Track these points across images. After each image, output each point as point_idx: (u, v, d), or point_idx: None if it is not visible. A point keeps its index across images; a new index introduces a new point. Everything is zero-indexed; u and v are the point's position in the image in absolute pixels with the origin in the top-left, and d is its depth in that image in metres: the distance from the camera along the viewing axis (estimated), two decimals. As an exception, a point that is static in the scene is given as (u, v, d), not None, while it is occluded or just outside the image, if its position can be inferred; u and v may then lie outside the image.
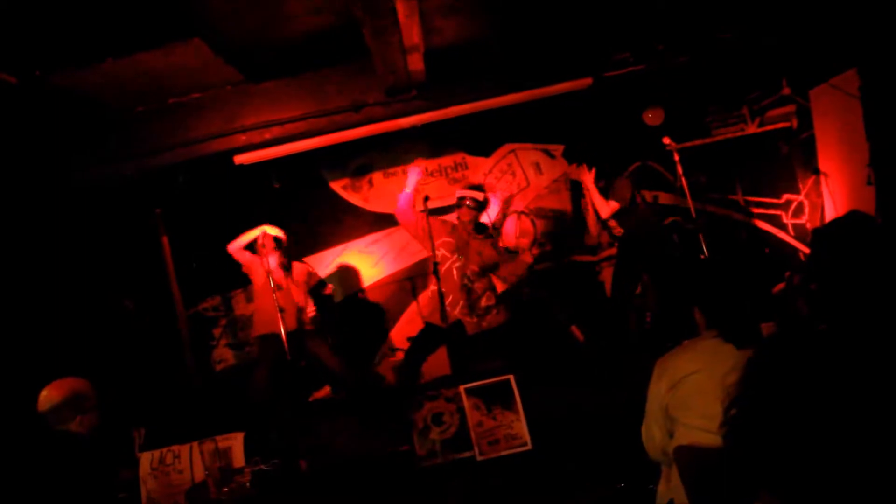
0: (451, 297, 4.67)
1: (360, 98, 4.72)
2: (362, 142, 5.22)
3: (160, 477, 3.06)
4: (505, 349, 4.64)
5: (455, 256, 4.75)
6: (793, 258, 5.80)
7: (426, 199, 4.72)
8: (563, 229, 5.99)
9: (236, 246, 4.91)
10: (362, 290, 5.98)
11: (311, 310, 5.22)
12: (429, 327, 4.81)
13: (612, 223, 5.20)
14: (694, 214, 5.19)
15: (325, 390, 5.53)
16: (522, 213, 5.26)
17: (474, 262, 4.73)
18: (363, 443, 3.71)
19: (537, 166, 6.06)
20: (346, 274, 5.98)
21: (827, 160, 5.56)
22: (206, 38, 3.74)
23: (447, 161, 6.04)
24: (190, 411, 5.27)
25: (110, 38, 3.56)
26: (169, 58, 3.89)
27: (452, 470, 3.06)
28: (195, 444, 3.08)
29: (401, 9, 3.26)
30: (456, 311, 4.67)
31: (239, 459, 3.09)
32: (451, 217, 5.36)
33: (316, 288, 5.45)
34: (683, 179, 5.12)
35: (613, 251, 5.57)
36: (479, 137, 5.93)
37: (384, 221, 5.89)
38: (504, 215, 5.32)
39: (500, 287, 5.08)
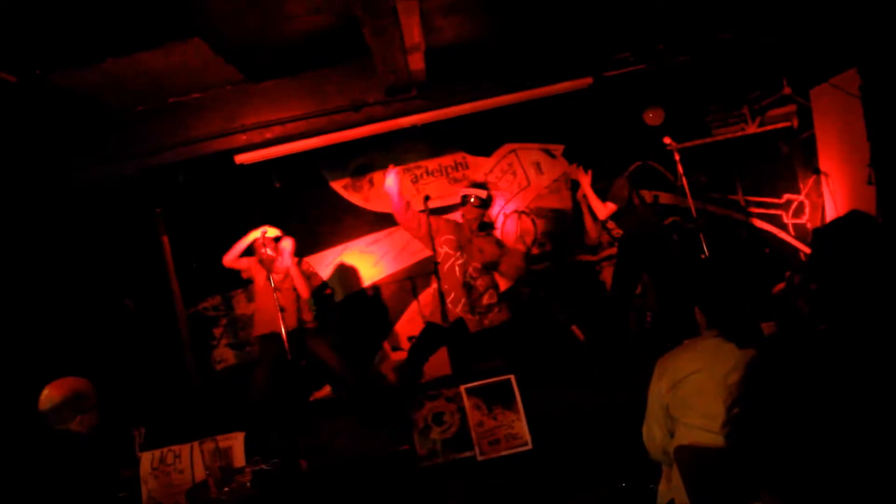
0: (452, 295, 4.67)
1: (361, 97, 4.71)
2: (363, 141, 5.22)
3: (161, 476, 3.06)
4: (505, 349, 4.63)
5: (458, 254, 4.74)
6: (793, 258, 5.80)
7: (426, 198, 4.71)
8: (563, 229, 5.99)
9: (232, 257, 4.90)
10: (363, 290, 5.98)
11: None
12: (430, 327, 4.81)
13: (611, 224, 5.19)
14: (694, 214, 5.19)
15: (326, 390, 5.53)
16: (523, 212, 5.26)
17: (476, 260, 4.73)
18: (363, 442, 3.71)
19: (538, 166, 6.06)
20: (347, 273, 5.98)
21: (827, 160, 5.56)
22: (206, 37, 3.74)
23: (447, 161, 6.04)
24: (190, 411, 5.27)
25: (110, 38, 3.55)
26: (169, 57, 3.89)
27: (453, 470, 3.06)
28: (196, 443, 3.09)
29: (401, 8, 3.26)
30: (458, 308, 4.67)
31: (239, 459, 3.09)
32: (454, 216, 5.37)
33: (317, 289, 5.45)
34: (684, 179, 5.12)
35: (613, 251, 5.57)
36: (479, 137, 5.93)
37: (384, 221, 5.89)
38: (502, 215, 5.33)
39: (503, 285, 5.09)
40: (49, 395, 2.91)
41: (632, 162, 5.92)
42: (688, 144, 5.62)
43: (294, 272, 4.95)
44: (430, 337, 4.81)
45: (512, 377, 3.16)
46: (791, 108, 5.71)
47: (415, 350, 4.91)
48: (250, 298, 5.70)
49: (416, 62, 4.14)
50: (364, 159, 5.97)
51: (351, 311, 5.93)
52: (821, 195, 5.71)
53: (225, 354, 5.92)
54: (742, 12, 4.72)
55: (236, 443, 3.11)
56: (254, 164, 5.06)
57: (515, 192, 6.05)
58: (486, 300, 4.71)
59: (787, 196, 5.97)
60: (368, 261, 5.98)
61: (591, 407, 3.47)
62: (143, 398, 4.70)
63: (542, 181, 6.06)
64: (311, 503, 3.19)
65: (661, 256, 5.03)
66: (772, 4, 4.69)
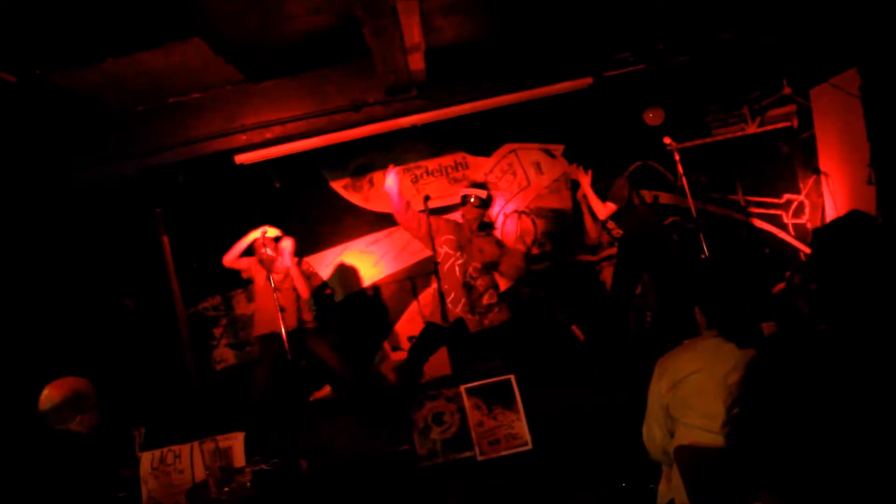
0: (452, 295, 4.67)
1: (361, 97, 4.71)
2: (363, 141, 5.22)
3: (161, 476, 3.06)
4: (505, 349, 4.63)
5: (457, 254, 4.74)
6: (793, 258, 5.80)
7: (426, 198, 4.71)
8: (563, 229, 5.99)
9: (232, 257, 4.90)
10: (363, 290, 5.98)
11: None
12: (430, 327, 4.81)
13: (611, 224, 5.19)
14: (694, 214, 5.19)
15: (326, 390, 5.53)
16: (523, 212, 5.26)
17: (477, 260, 4.74)
18: (363, 442, 3.71)
19: (538, 166, 6.06)
20: (347, 273, 5.98)
21: (827, 160, 5.56)
22: (206, 37, 3.74)
23: (447, 161, 6.04)
24: (190, 411, 5.27)
25: (110, 38, 3.55)
26: (169, 57, 3.89)
27: (453, 470, 3.06)
28: (196, 443, 3.09)
29: (401, 8, 3.26)
30: (458, 308, 4.67)
31: (239, 459, 3.09)
32: (454, 216, 5.37)
33: (317, 289, 5.45)
34: (684, 179, 5.12)
35: (613, 251, 5.57)
36: (479, 137, 5.93)
37: (384, 221, 5.89)
38: (502, 215, 5.33)
39: (503, 285, 5.09)
40: (49, 395, 2.91)
41: (632, 162, 5.92)
42: (688, 144, 5.61)
43: (294, 272, 4.95)
44: (430, 337, 4.81)
45: (512, 377, 3.16)
46: (791, 108, 5.71)
47: (415, 350, 4.91)
48: (250, 298, 5.70)
49: (416, 62, 4.14)
50: (364, 159, 5.97)
51: (351, 311, 5.94)
52: (821, 195, 5.71)
53: (225, 354, 5.92)
54: (742, 12, 4.72)
55: (236, 443, 3.11)
56: (254, 164, 5.06)
57: (515, 192, 6.05)
58: (486, 300, 4.71)
59: (787, 196, 5.97)
60: (368, 261, 5.98)
61: (591, 407, 3.47)
62: (144, 398, 4.70)
63: (542, 181, 6.06)
64: (311, 503, 3.19)
65: (661, 256, 5.03)
66: (772, 4, 4.69)
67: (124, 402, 3.82)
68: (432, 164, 6.02)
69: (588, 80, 4.89)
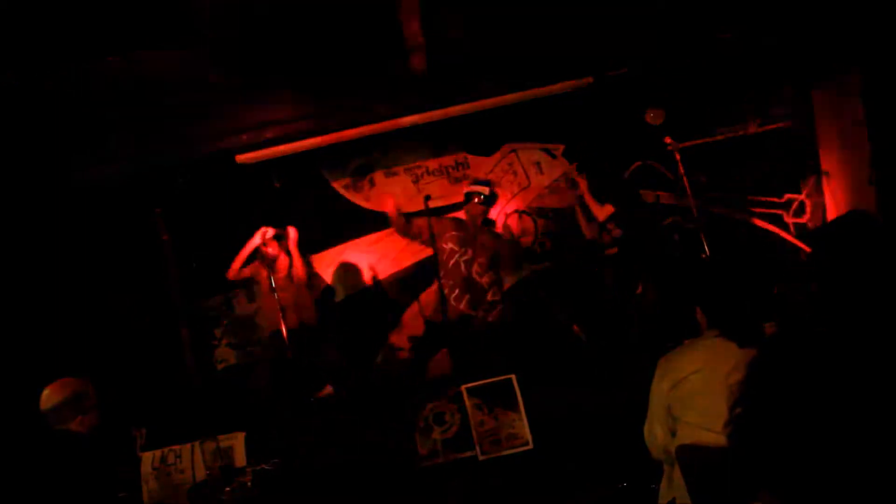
0: (457, 291, 4.68)
1: (362, 97, 4.71)
2: (363, 141, 5.22)
3: (162, 477, 3.06)
4: (506, 349, 4.64)
5: (462, 250, 4.75)
6: (794, 258, 5.79)
7: (427, 198, 4.72)
8: (563, 229, 5.98)
9: (234, 271, 4.92)
10: (363, 290, 5.97)
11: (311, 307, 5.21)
12: (431, 326, 4.82)
13: (610, 225, 5.19)
14: (695, 214, 5.18)
15: (327, 389, 5.53)
16: (524, 212, 5.27)
17: (481, 256, 4.75)
18: (364, 442, 3.70)
19: (538, 166, 6.06)
20: (347, 273, 5.97)
21: (828, 159, 5.56)
22: (206, 36, 3.74)
23: (448, 160, 6.03)
24: (191, 411, 5.27)
25: (110, 38, 3.55)
26: (170, 57, 3.89)
27: (454, 469, 3.06)
28: (196, 443, 3.09)
29: (402, 8, 3.26)
30: (461, 305, 4.68)
31: (240, 459, 3.09)
32: (456, 214, 5.36)
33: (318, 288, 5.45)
34: (684, 179, 5.12)
35: (614, 251, 5.56)
36: (480, 136, 5.92)
37: (385, 221, 5.88)
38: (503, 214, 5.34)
39: (507, 282, 5.10)
40: (50, 396, 2.91)
41: (632, 162, 5.91)
42: (688, 144, 5.61)
43: (296, 259, 4.93)
44: (432, 336, 4.82)
45: (513, 377, 3.16)
46: (792, 107, 5.70)
47: (416, 350, 4.92)
48: (251, 299, 5.70)
49: (417, 62, 4.14)
50: (364, 159, 5.96)
51: (352, 310, 5.93)
52: (822, 195, 5.70)
53: (226, 354, 5.91)
54: (742, 12, 4.72)
55: (237, 443, 3.11)
56: (254, 164, 5.05)
57: (516, 191, 6.04)
58: (489, 297, 4.72)
59: (788, 196, 5.95)
60: (369, 260, 5.98)
61: (591, 407, 3.47)
62: (144, 398, 4.70)
63: (542, 181, 6.05)
64: (312, 503, 3.19)
65: (661, 256, 5.03)
66: (772, 4, 4.68)
67: (125, 403, 3.82)
68: (433, 163, 6.01)
69: (589, 80, 4.89)
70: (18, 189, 4.57)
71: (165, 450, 3.14)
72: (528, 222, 5.58)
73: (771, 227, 5.95)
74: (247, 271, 4.94)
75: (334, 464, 3.44)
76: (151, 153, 4.72)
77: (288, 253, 5.04)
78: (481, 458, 3.05)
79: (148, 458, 3.11)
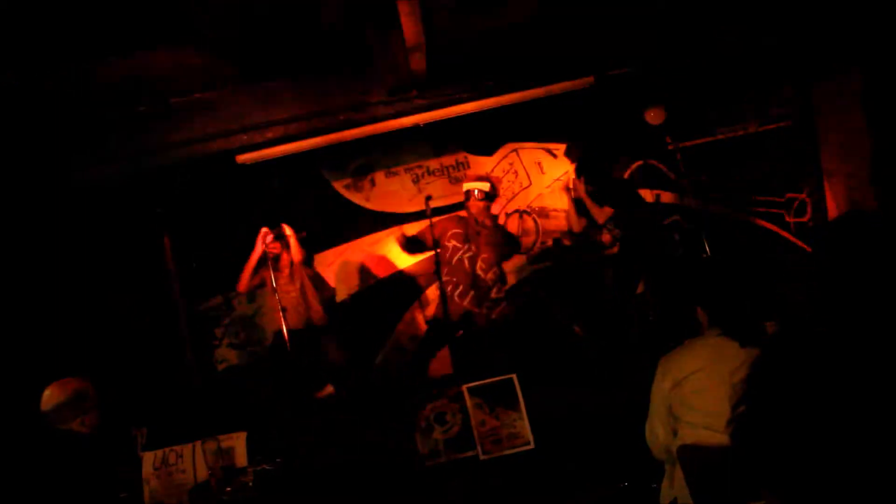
0: (461, 288, 4.69)
1: (362, 97, 4.71)
2: (364, 141, 5.21)
3: (163, 477, 3.06)
4: (507, 348, 4.64)
5: (465, 246, 4.76)
6: (794, 258, 5.79)
7: (428, 198, 4.73)
8: (564, 228, 5.98)
9: (244, 282, 4.91)
10: (364, 290, 5.97)
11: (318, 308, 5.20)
12: (432, 326, 4.82)
13: (610, 225, 5.20)
14: (695, 213, 5.18)
15: (327, 389, 5.53)
16: (524, 212, 5.27)
17: (485, 252, 4.75)
18: (364, 442, 3.70)
19: (539, 165, 6.06)
20: (348, 273, 5.97)
21: (829, 159, 5.56)
22: (207, 36, 3.74)
23: (449, 160, 6.03)
24: (192, 411, 5.27)
25: (110, 38, 3.55)
26: (170, 57, 3.89)
27: (455, 469, 3.06)
28: (198, 443, 3.08)
29: (402, 8, 3.26)
30: (465, 302, 4.68)
31: (241, 459, 3.09)
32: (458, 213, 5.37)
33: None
34: (685, 178, 5.12)
35: (614, 251, 5.57)
36: (480, 136, 5.93)
37: (386, 221, 5.89)
38: (504, 214, 5.35)
39: (511, 279, 5.10)
40: (51, 396, 2.92)
41: (633, 161, 5.91)
42: (689, 143, 5.61)
43: (296, 256, 4.93)
44: (434, 335, 4.82)
45: (514, 376, 3.16)
46: (793, 106, 5.70)
47: (417, 349, 4.92)
48: (251, 299, 5.71)
49: (418, 62, 4.14)
50: (365, 159, 5.96)
51: (353, 310, 5.93)
52: (823, 194, 5.70)
53: (227, 354, 5.91)
54: (742, 12, 4.72)
55: (238, 442, 3.11)
56: (254, 164, 5.05)
57: (517, 191, 6.05)
58: (494, 294, 4.73)
59: (788, 195, 5.96)
60: (370, 260, 5.98)
61: (591, 406, 3.47)
62: (145, 398, 4.70)
63: (543, 181, 6.05)
64: (313, 503, 3.19)
65: (662, 256, 5.03)
66: (772, 4, 4.68)
67: (125, 403, 3.82)
68: (434, 163, 6.02)
69: (589, 80, 4.89)
70: (18, 189, 4.57)
71: (166, 450, 3.14)
72: (529, 222, 5.58)
73: (772, 227, 5.95)
74: (256, 279, 4.94)
75: (335, 464, 3.44)
76: (151, 153, 4.72)
77: (288, 251, 5.03)
78: (482, 457, 3.05)
79: (149, 458, 3.11)
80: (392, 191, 5.92)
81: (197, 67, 4.14)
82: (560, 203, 6.00)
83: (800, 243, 5.88)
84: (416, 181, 6.00)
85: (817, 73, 5.38)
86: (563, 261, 5.98)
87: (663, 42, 4.79)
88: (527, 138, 6.05)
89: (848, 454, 0.78)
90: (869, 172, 4.89)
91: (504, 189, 6.02)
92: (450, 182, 6.00)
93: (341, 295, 5.95)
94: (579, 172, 5.13)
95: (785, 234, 5.94)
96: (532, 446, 3.05)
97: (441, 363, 4.97)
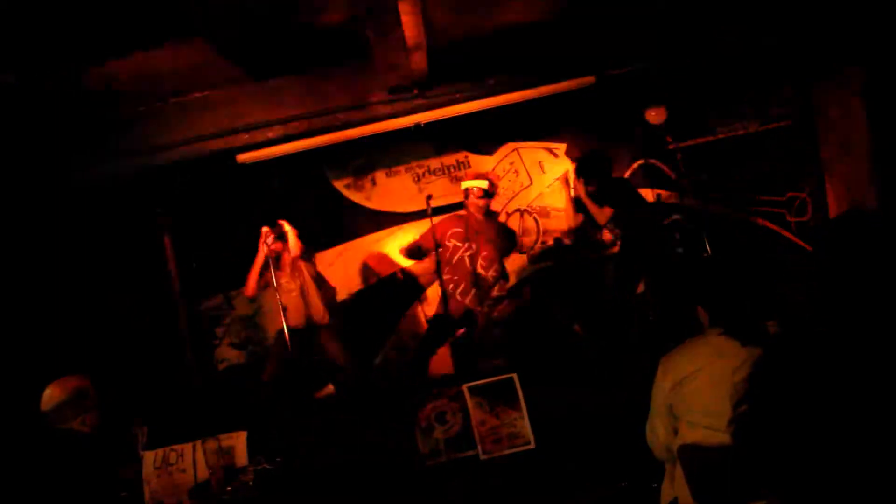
0: (462, 286, 4.70)
1: (363, 97, 4.71)
2: (365, 140, 5.22)
3: (163, 476, 3.06)
4: (507, 348, 4.64)
5: (465, 245, 4.76)
6: (795, 257, 5.79)
7: (429, 197, 4.73)
8: (565, 228, 5.98)
9: (252, 286, 4.92)
10: (365, 289, 5.98)
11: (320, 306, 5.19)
12: (434, 324, 4.83)
13: (610, 225, 5.20)
14: (696, 213, 5.18)
15: (328, 389, 5.53)
16: (525, 211, 5.27)
17: (485, 250, 4.76)
18: (365, 442, 3.71)
19: (540, 165, 6.06)
20: (349, 273, 5.97)
21: (830, 158, 5.56)
22: (207, 36, 3.73)
23: (450, 160, 6.03)
24: (192, 410, 5.27)
25: (110, 38, 3.55)
26: (170, 57, 3.89)
27: (455, 469, 3.06)
28: (198, 442, 3.09)
29: (403, 8, 3.26)
30: (466, 300, 4.69)
31: (242, 458, 3.09)
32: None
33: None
34: (685, 178, 5.13)
35: (614, 250, 5.57)
36: (481, 136, 5.93)
37: (387, 220, 5.89)
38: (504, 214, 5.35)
39: (512, 279, 5.11)
40: (51, 395, 2.92)
41: (634, 160, 5.91)
42: (689, 143, 5.61)
43: (295, 252, 4.93)
44: (434, 335, 4.83)
45: (514, 376, 3.16)
46: (793, 106, 5.70)
47: (418, 348, 4.92)
48: (252, 298, 5.70)
49: (419, 61, 4.14)
50: (366, 158, 5.96)
51: (353, 310, 5.93)
52: (823, 193, 5.70)
53: (227, 354, 5.91)
54: (742, 12, 4.72)
55: (239, 442, 3.11)
56: (255, 164, 5.06)
57: (517, 191, 6.05)
58: (495, 292, 4.73)
59: (789, 194, 5.96)
60: (371, 259, 5.98)
61: (591, 406, 3.47)
62: (146, 398, 4.70)
63: (544, 180, 6.05)
64: (313, 503, 3.19)
65: (662, 256, 5.03)
66: (772, 4, 4.68)
67: (126, 402, 3.82)
68: (434, 163, 6.01)
69: (590, 79, 4.89)
70: (18, 189, 4.57)
71: (167, 449, 3.14)
72: (530, 221, 5.58)
73: (772, 226, 5.95)
74: (262, 282, 4.95)
75: (335, 463, 3.44)
76: (152, 153, 4.72)
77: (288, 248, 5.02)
78: (483, 457, 3.05)
79: (149, 458, 3.11)
80: (393, 190, 5.92)
81: (197, 67, 4.14)
82: (561, 202, 6.01)
83: (800, 243, 5.88)
84: (416, 180, 6.00)
85: (817, 73, 5.38)
86: (563, 260, 5.97)
87: (663, 42, 4.79)
88: (528, 138, 6.04)
89: (848, 453, 0.78)
90: (869, 172, 4.88)
91: (505, 188, 6.02)
92: (451, 181, 5.99)
93: (342, 294, 5.95)
94: (579, 172, 5.13)
95: (785, 233, 5.94)
96: (532, 446, 3.05)
97: (442, 363, 4.97)
